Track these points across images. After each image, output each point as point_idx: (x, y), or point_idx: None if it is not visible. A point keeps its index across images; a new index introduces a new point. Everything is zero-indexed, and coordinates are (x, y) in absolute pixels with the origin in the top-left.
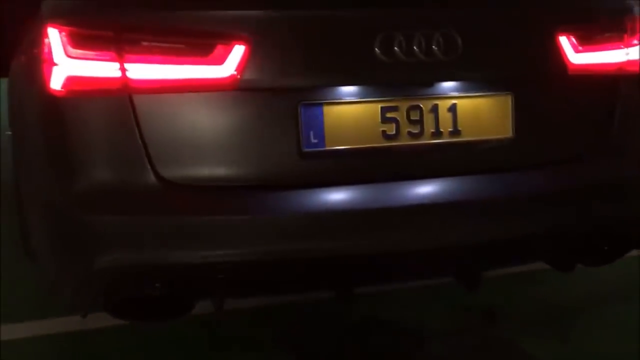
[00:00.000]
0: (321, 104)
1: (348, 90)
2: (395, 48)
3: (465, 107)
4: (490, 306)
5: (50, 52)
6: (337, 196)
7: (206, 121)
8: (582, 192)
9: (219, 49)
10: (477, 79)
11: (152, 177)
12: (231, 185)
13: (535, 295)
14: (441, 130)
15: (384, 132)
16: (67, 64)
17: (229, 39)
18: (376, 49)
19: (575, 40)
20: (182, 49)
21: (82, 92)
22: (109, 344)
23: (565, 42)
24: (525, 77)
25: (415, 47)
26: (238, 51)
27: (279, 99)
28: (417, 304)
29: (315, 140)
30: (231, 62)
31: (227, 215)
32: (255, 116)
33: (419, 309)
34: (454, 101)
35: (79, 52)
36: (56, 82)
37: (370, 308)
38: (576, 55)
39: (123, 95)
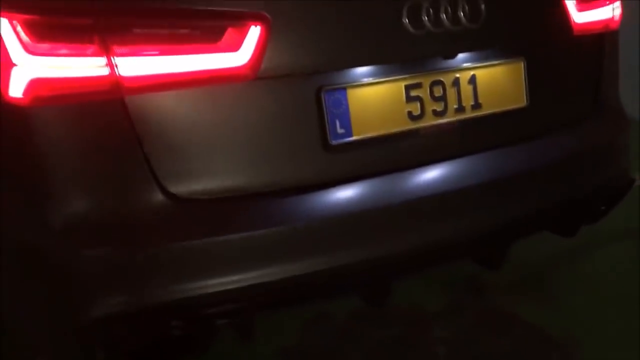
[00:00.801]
0: (344, 88)
1: (370, 69)
2: (424, 17)
3: (484, 78)
4: (475, 279)
5: (4, 49)
6: (371, 191)
7: (219, 120)
8: (591, 154)
9: (232, 32)
10: (496, 46)
11: (159, 196)
12: (252, 193)
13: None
14: (463, 105)
15: (409, 112)
16: (29, 63)
17: (242, 19)
18: (405, 20)
19: None
20: (185, 35)
21: (52, 98)
22: None
23: (569, 1)
24: (535, 41)
25: (442, 16)
26: (254, 33)
27: (299, 86)
28: (402, 288)
29: (342, 130)
30: (247, 47)
31: (255, 230)
32: (274, 109)
33: (407, 293)
34: (472, 72)
35: (45, 46)
36: (16, 88)
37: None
38: (578, 14)
39: (113, 99)
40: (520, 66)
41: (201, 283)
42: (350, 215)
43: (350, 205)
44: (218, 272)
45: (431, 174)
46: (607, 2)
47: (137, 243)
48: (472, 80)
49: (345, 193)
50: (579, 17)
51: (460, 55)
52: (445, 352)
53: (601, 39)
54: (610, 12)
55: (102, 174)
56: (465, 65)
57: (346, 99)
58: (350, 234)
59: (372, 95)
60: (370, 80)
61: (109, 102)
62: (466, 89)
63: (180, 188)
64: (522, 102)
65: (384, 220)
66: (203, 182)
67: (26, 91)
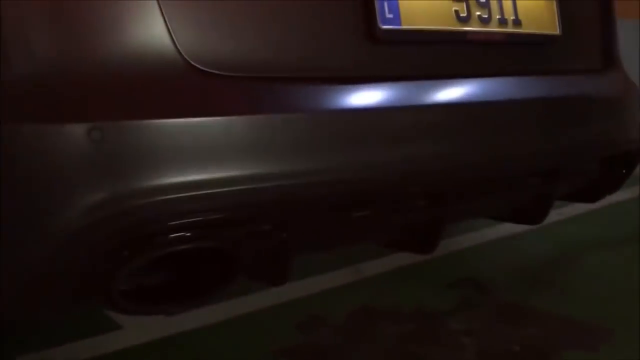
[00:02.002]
0: None
1: None
2: None
3: None
4: (475, 279)
5: None
6: (415, 93)
7: None
8: (616, 106)
9: None
10: None
11: (173, 60)
12: (286, 77)
13: (504, 261)
14: (506, 17)
15: (456, 12)
16: None
17: None
18: None
19: None
20: None
21: None
22: None
23: None
24: None
25: None
26: None
27: None
28: (397, 288)
29: (391, 16)
30: None
31: (287, 114)
32: None
33: (406, 293)
34: None
35: None
36: None
37: (353, 299)
38: None
39: None
40: None
41: (212, 176)
42: (391, 117)
43: (394, 105)
44: (240, 163)
45: (478, 87)
46: None
47: (140, 114)
48: None
49: (389, 91)
50: None
51: None
52: (471, 341)
53: None
54: None
55: (87, 13)
56: None
57: None
58: (394, 139)
59: None
60: None
61: None
62: (507, 2)
63: (200, 56)
64: (555, 29)
65: (426, 128)
66: (227, 53)
67: None
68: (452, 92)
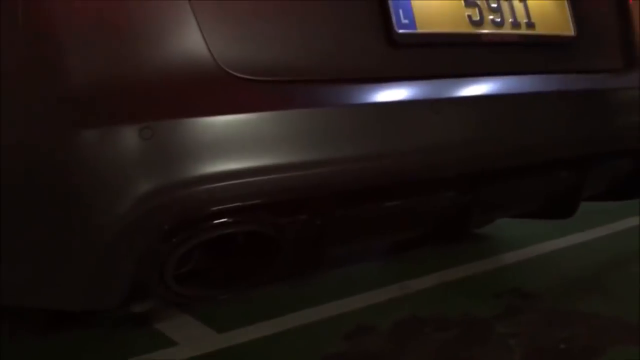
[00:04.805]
0: None
1: None
2: None
3: (532, 1)
4: (519, 288)
5: None
6: (432, 92)
7: None
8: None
9: None
10: None
11: (206, 64)
12: (306, 79)
13: (550, 273)
14: (518, 20)
15: (469, 17)
16: None
17: None
18: None
19: None
20: None
21: None
22: None
23: None
24: None
25: None
26: None
27: None
28: (444, 300)
29: (406, 21)
30: None
31: (315, 107)
32: None
33: (452, 304)
34: None
35: None
36: None
37: (401, 310)
38: None
39: None
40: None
41: (248, 165)
42: (413, 111)
43: (415, 100)
44: (270, 154)
45: (494, 85)
46: None
47: (180, 114)
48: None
49: (410, 89)
50: None
51: None
52: (518, 343)
53: None
54: None
55: (131, 22)
56: None
57: None
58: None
59: None
60: None
61: None
62: (518, 6)
63: (234, 63)
64: (570, 31)
65: (448, 124)
66: (257, 61)
67: None
68: (469, 89)
